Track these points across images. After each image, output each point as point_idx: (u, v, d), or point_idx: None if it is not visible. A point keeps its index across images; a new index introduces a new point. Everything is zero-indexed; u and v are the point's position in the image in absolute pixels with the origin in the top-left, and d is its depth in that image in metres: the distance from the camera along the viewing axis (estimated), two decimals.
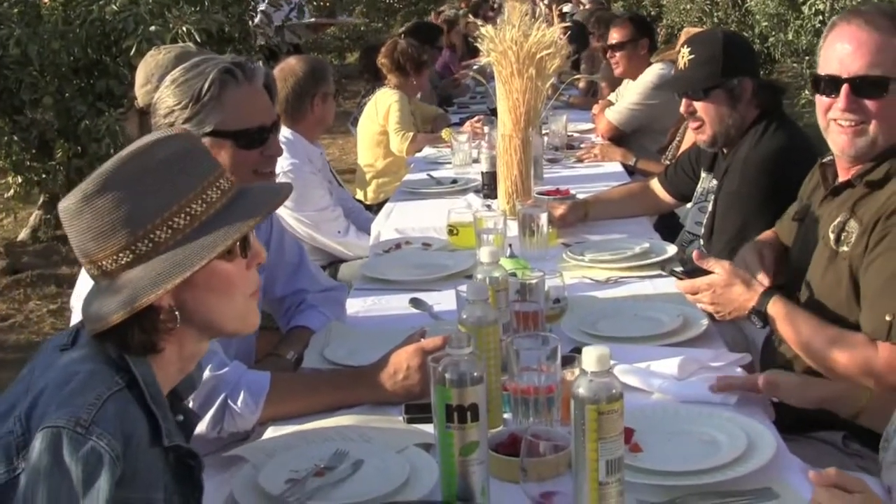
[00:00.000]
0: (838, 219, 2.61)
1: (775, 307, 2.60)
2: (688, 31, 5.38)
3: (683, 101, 3.75)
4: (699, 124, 3.71)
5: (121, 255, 1.74)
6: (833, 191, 2.70)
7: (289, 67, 4.65)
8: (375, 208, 6.05)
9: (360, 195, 6.35)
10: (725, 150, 3.74)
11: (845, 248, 2.56)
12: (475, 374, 1.91)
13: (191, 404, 2.41)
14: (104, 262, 1.76)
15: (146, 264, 1.74)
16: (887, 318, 2.40)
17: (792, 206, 3.09)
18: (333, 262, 4.70)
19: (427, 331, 2.64)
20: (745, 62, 3.75)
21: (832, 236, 2.60)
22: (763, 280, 2.83)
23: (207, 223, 1.79)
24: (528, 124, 4.05)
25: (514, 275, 2.84)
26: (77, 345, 1.81)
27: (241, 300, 1.89)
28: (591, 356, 1.82)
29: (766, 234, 3.26)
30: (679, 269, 2.90)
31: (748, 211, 3.51)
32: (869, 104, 2.54)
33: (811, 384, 2.46)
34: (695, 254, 2.76)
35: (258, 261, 1.92)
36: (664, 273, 2.99)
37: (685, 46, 3.79)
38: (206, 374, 2.41)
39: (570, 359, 2.32)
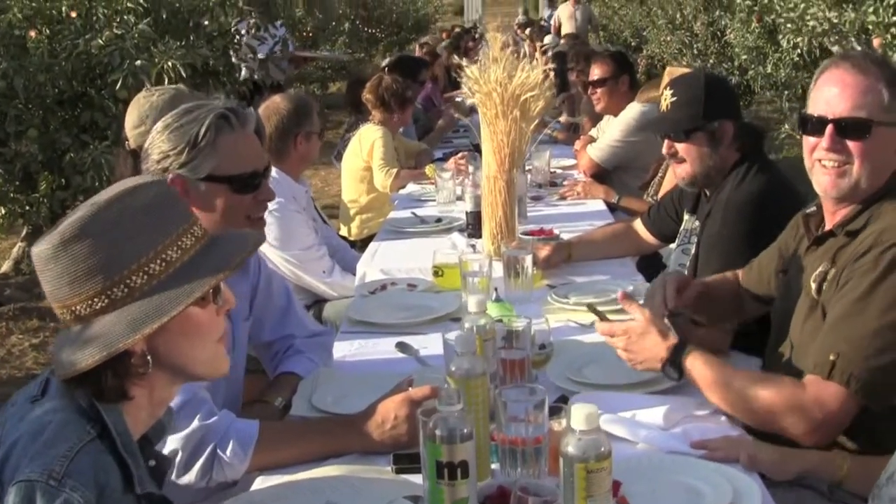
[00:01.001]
0: (819, 268, 2.63)
1: (691, 357, 2.60)
2: (671, 72, 5.43)
3: (665, 142, 3.80)
4: (680, 165, 3.76)
5: (95, 300, 1.77)
6: (816, 241, 2.74)
7: (273, 105, 4.68)
8: (360, 244, 6.09)
9: (343, 231, 6.37)
10: (708, 193, 3.79)
11: (821, 297, 2.60)
12: (465, 430, 1.94)
13: (178, 454, 2.43)
14: (78, 307, 1.78)
15: (121, 310, 1.77)
16: (831, 357, 2.42)
17: (765, 254, 3.12)
18: (318, 302, 4.71)
19: (414, 379, 2.66)
20: (727, 105, 3.79)
21: (813, 286, 2.63)
22: (660, 307, 2.88)
23: (182, 270, 1.83)
24: (512, 165, 4.08)
25: (500, 321, 2.87)
26: (47, 395, 1.83)
27: (212, 345, 1.93)
28: (579, 415, 1.85)
29: (717, 277, 3.31)
30: (602, 309, 2.90)
31: (729, 253, 3.53)
32: (852, 145, 2.58)
33: (790, 457, 2.44)
34: (619, 294, 2.79)
35: (228, 307, 1.97)
36: (592, 311, 2.97)
37: (668, 88, 3.84)
38: (195, 423, 2.43)
39: (557, 409, 2.34)
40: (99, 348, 1.74)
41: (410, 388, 2.56)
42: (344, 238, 6.17)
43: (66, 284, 1.77)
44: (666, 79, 5.38)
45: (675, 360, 2.62)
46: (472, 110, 4.23)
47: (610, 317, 2.83)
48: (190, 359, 1.90)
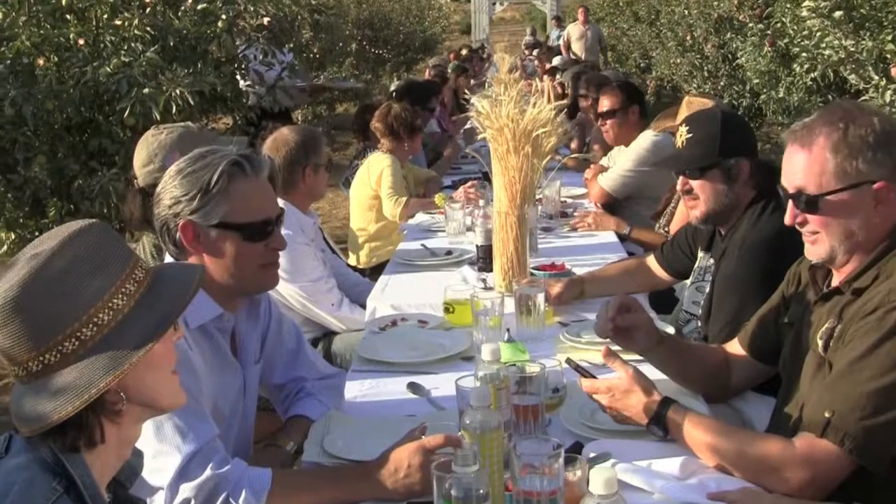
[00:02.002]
0: (826, 325, 2.59)
1: (675, 415, 2.58)
2: (689, 101, 5.40)
3: (680, 179, 3.77)
4: (694, 203, 3.73)
5: (66, 344, 1.76)
6: (824, 296, 2.70)
7: (282, 137, 4.67)
8: (369, 272, 6.06)
9: (352, 259, 6.35)
10: (723, 231, 3.76)
11: (829, 354, 2.56)
12: (481, 491, 1.91)
13: (191, 502, 2.40)
14: (30, 364, 1.77)
15: (92, 354, 1.77)
16: (826, 414, 2.39)
17: (766, 307, 3.07)
18: (327, 335, 4.69)
19: (427, 427, 2.62)
20: (743, 143, 3.76)
21: (820, 343, 2.59)
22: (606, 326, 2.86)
23: (144, 301, 1.85)
24: (524, 201, 4.06)
25: (513, 365, 2.84)
26: (10, 453, 1.81)
27: (171, 376, 1.96)
28: (598, 479, 1.83)
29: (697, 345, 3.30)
30: (583, 364, 2.85)
31: (745, 293, 3.49)
32: (812, 218, 2.59)
33: None
34: (603, 350, 2.75)
35: (178, 336, 1.98)
36: (573, 367, 2.92)
37: (684, 125, 3.81)
38: (208, 472, 2.41)
39: (572, 459, 2.32)
40: (75, 393, 1.74)
41: (423, 437, 2.53)
42: (353, 267, 6.14)
43: (15, 344, 1.77)
44: (685, 108, 5.36)
45: (659, 419, 2.60)
46: (476, 135, 4.20)
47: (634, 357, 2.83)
48: (155, 391, 1.92)
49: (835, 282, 2.67)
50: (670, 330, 3.56)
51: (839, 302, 2.60)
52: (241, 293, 2.79)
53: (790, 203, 2.62)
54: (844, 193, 2.53)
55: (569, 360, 2.84)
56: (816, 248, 2.63)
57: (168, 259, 2.74)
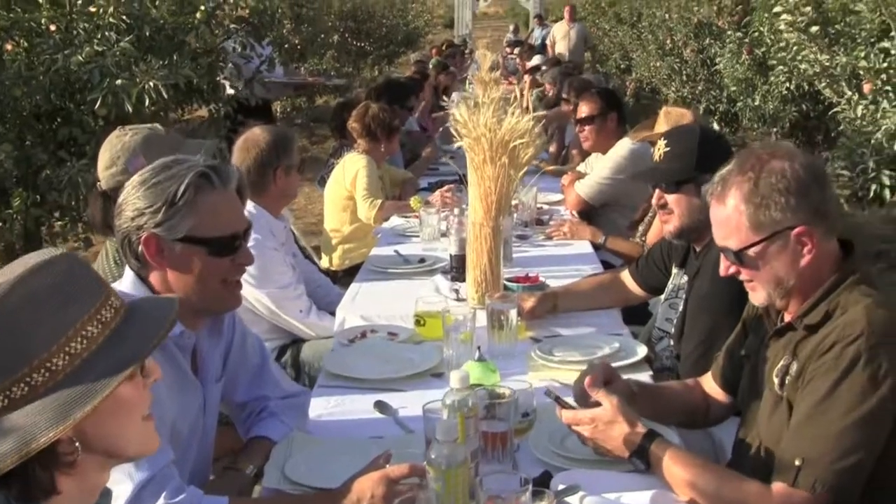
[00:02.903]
0: (781, 362, 2.57)
1: (659, 448, 2.53)
2: (667, 112, 5.35)
3: (656, 192, 3.73)
4: (668, 217, 3.69)
5: (14, 389, 1.62)
6: (777, 332, 2.67)
7: (253, 138, 4.53)
8: (341, 274, 5.98)
9: (325, 261, 6.25)
10: (697, 249, 3.71)
11: (785, 392, 2.53)
12: None
13: None
14: None
15: (43, 398, 1.62)
16: (796, 462, 2.36)
17: (732, 337, 3.02)
18: (296, 342, 4.59)
19: (393, 454, 2.54)
20: (721, 159, 3.67)
21: (776, 381, 2.56)
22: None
23: (106, 345, 1.70)
24: (499, 212, 3.98)
25: (482, 386, 2.77)
26: None
27: (140, 422, 1.79)
28: None
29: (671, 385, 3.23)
30: (563, 398, 2.75)
31: (718, 314, 3.46)
32: (741, 269, 2.60)
33: None
34: (587, 381, 2.68)
35: (154, 378, 1.83)
36: (552, 398, 2.84)
37: (662, 139, 3.77)
38: (161, 501, 2.32)
39: (540, 493, 2.25)
40: (18, 443, 1.59)
41: (388, 465, 2.45)
42: (325, 268, 6.06)
43: None
44: (662, 118, 5.31)
45: (642, 452, 2.54)
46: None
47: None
48: (120, 439, 1.76)
49: (786, 317, 2.64)
50: (642, 352, 3.51)
51: (793, 338, 2.58)
52: (203, 311, 2.69)
53: (721, 256, 2.64)
54: (764, 244, 2.54)
55: (548, 392, 2.75)
56: (755, 295, 2.64)
57: (128, 272, 2.64)
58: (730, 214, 2.56)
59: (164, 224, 2.52)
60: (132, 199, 2.54)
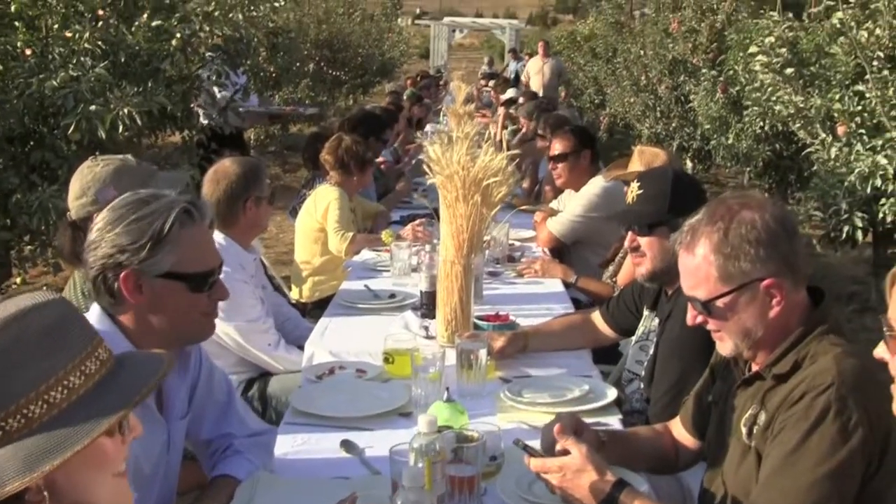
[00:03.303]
0: (749, 411, 2.56)
1: (628, 498, 2.50)
2: (641, 151, 5.35)
3: (629, 234, 3.74)
4: (640, 260, 3.69)
5: None
6: (745, 381, 2.66)
7: (223, 170, 4.51)
8: (311, 306, 5.94)
9: (295, 293, 6.22)
10: (669, 292, 3.71)
11: (754, 442, 2.52)
12: None
13: None
14: None
15: (17, 443, 1.59)
16: None
17: (700, 382, 3.01)
18: (263, 375, 4.55)
19: (358, 497, 2.51)
20: (694, 203, 3.70)
21: (744, 430, 2.56)
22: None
23: (87, 397, 1.66)
24: (470, 250, 3.97)
25: (450, 428, 2.75)
26: None
27: (113, 479, 1.75)
28: None
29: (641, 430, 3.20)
30: (532, 445, 2.72)
31: (688, 359, 3.44)
32: (709, 319, 2.60)
33: None
34: (556, 428, 2.65)
35: (134, 435, 1.79)
36: (521, 447, 2.81)
37: (636, 181, 3.78)
38: None
39: None
40: None
41: None
42: (296, 301, 6.03)
43: None
44: (636, 157, 5.32)
45: (611, 501, 2.51)
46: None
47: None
48: (91, 494, 1.71)
49: (754, 366, 2.63)
50: (612, 394, 3.50)
51: (761, 387, 2.57)
52: (178, 343, 2.68)
53: (689, 305, 2.64)
54: (732, 295, 2.54)
55: (517, 441, 2.72)
56: (722, 345, 2.64)
57: (94, 308, 2.60)
58: (699, 264, 2.56)
59: (148, 261, 2.51)
60: (110, 237, 2.51)
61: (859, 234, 6.25)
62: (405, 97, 12.88)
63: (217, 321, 4.12)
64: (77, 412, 1.64)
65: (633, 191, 3.75)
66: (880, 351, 2.00)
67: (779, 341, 2.54)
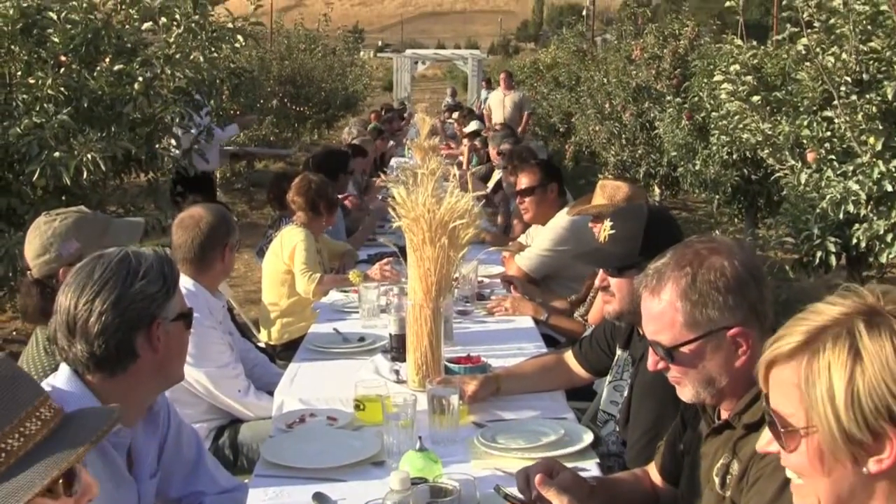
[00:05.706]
0: (721, 460, 2.53)
1: None
2: (603, 185, 5.33)
3: (600, 273, 3.71)
4: (610, 298, 3.66)
5: None
6: (715, 429, 2.63)
7: (196, 217, 4.47)
8: (280, 349, 5.91)
9: (263, 335, 6.17)
10: (641, 332, 3.68)
11: (728, 493, 2.48)
12: None
13: None
14: None
15: None
16: None
17: (672, 429, 3.00)
18: (234, 422, 4.50)
19: None
20: (667, 243, 3.69)
21: (717, 480, 2.52)
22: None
23: (26, 458, 1.61)
24: (439, 293, 3.94)
25: (424, 479, 2.72)
26: None
27: None
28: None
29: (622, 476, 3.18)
30: (513, 494, 2.70)
31: (663, 402, 3.39)
32: (671, 366, 2.55)
33: None
34: (537, 479, 2.62)
35: (89, 497, 1.74)
36: (501, 496, 2.77)
37: (608, 220, 3.74)
38: None
39: None
40: None
41: None
42: (264, 343, 5.99)
43: None
44: (598, 192, 5.29)
45: None
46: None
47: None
48: None
49: (723, 414, 2.59)
50: (588, 438, 3.47)
51: (731, 436, 2.53)
52: (165, 387, 2.77)
53: (650, 350, 2.59)
54: (698, 343, 2.49)
55: (496, 489, 2.69)
56: (682, 391, 2.59)
57: (63, 368, 2.56)
58: (664, 309, 2.52)
59: (167, 305, 2.61)
60: (138, 288, 2.54)
61: (833, 259, 6.21)
62: (367, 130, 12.85)
63: (187, 367, 4.13)
64: (14, 472, 1.60)
65: (606, 230, 3.70)
66: (764, 444, 1.91)
67: (744, 389, 2.49)
